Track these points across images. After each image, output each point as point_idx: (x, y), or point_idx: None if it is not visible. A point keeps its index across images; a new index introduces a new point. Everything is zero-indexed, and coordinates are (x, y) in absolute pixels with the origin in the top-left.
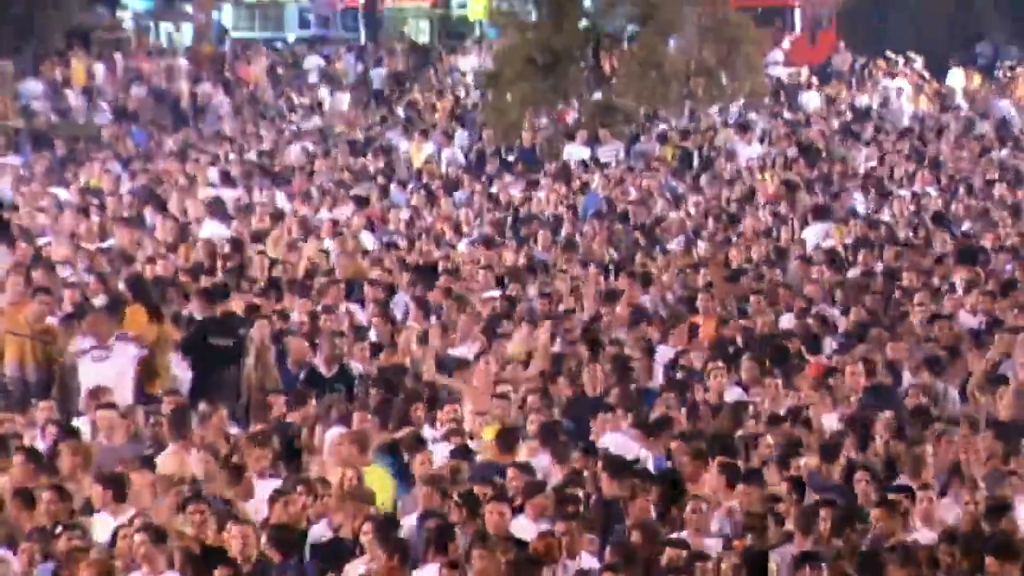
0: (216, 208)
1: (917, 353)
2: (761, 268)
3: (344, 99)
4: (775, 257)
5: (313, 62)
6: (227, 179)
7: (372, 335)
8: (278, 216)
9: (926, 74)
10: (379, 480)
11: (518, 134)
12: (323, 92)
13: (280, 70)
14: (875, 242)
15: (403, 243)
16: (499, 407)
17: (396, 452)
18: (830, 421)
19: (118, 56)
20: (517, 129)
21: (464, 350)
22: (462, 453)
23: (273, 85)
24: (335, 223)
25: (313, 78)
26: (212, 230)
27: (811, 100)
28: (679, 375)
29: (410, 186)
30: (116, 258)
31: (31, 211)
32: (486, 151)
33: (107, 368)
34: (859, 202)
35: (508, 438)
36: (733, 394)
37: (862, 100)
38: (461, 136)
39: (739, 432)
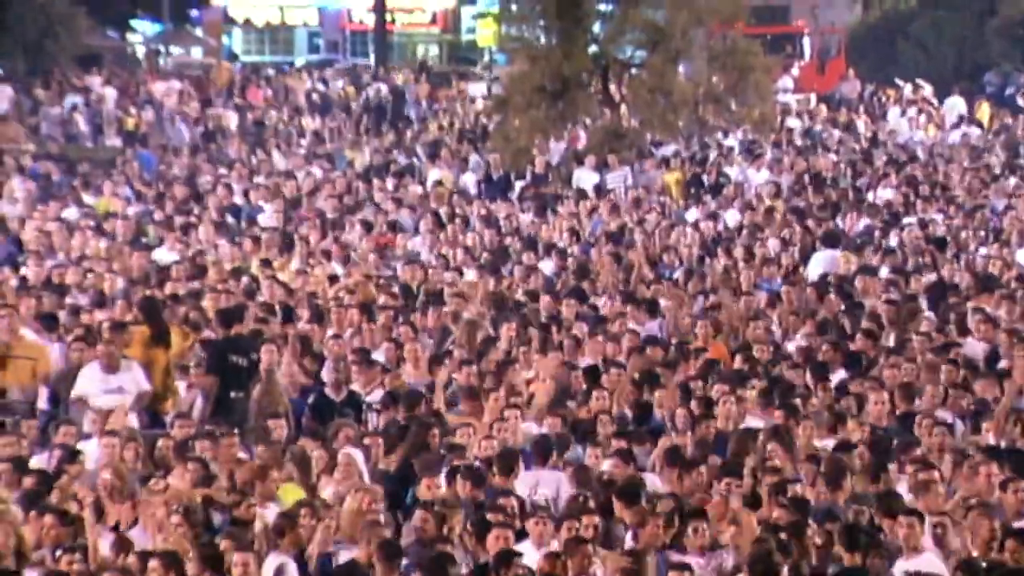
0: (227, 232)
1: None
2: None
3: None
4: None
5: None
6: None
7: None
8: (288, 241)
9: (935, 102)
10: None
11: (526, 160)
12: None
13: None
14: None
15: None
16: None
17: (406, 476)
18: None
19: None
20: (525, 155)
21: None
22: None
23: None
24: (344, 247)
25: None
26: (224, 253)
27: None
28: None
29: (419, 211)
30: (126, 280)
31: (40, 233)
32: (494, 176)
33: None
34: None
35: (508, 461)
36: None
37: (871, 127)
38: (474, 162)
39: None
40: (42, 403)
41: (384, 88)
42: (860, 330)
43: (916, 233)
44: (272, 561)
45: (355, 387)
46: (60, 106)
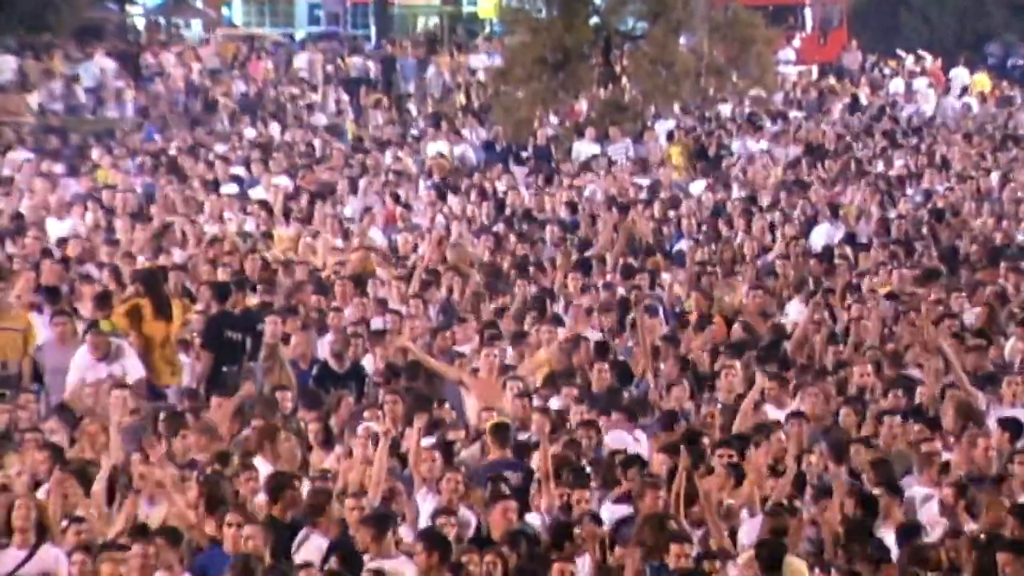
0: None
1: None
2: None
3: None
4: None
5: (304, 59)
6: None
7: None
8: (287, 214)
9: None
10: None
11: (529, 132)
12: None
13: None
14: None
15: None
16: (507, 400)
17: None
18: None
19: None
20: (528, 127)
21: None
22: (446, 448)
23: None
24: (343, 220)
25: (304, 76)
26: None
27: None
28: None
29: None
30: (125, 253)
31: (40, 206)
32: (497, 148)
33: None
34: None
35: (504, 433)
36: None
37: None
38: (478, 133)
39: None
40: (25, 379)
41: (365, 61)
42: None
43: (917, 205)
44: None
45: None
46: (61, 78)
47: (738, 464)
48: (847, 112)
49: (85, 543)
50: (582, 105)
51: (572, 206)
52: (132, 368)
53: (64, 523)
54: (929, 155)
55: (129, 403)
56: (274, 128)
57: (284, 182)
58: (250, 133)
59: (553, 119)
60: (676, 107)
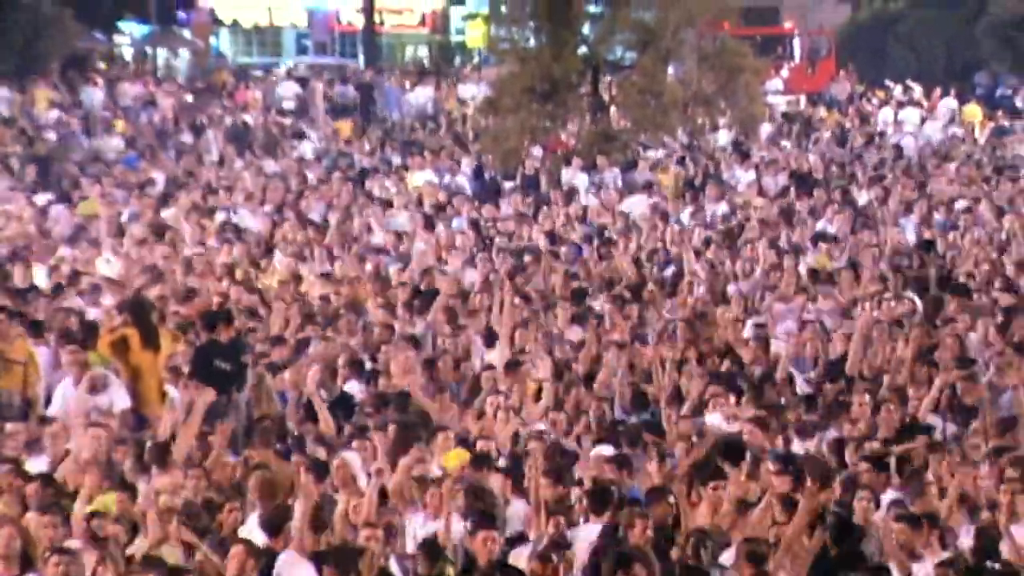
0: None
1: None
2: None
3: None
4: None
5: (290, 89)
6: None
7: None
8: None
9: (925, 103)
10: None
11: (517, 161)
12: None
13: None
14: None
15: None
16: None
17: None
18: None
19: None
20: (516, 156)
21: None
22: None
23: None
24: (332, 250)
25: (290, 105)
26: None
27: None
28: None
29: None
30: (109, 282)
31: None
32: (486, 176)
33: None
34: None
35: (483, 462)
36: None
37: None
38: (467, 163)
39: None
40: (41, 408)
41: (349, 89)
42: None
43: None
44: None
45: (347, 388)
46: (49, 107)
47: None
48: (835, 142)
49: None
50: (568, 135)
51: (552, 236)
52: (118, 399)
53: (47, 555)
54: (919, 185)
55: (103, 443)
56: (263, 158)
57: (271, 212)
58: (238, 163)
59: (535, 151)
60: (665, 138)
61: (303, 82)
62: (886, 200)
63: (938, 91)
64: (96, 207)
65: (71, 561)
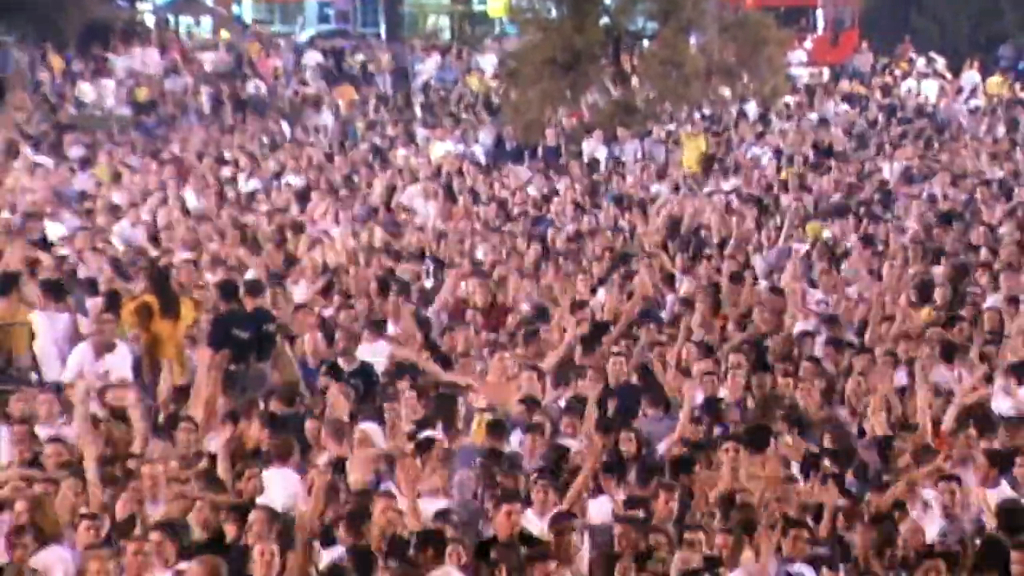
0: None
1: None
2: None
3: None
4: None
5: (312, 58)
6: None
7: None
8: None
9: (947, 75)
10: None
11: (538, 132)
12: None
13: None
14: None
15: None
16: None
17: None
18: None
19: (140, 49)
20: (537, 127)
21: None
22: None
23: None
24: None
25: (316, 73)
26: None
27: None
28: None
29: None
30: (132, 250)
31: (46, 204)
32: (507, 146)
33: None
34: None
35: (499, 428)
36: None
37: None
38: (485, 134)
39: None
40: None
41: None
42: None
43: (924, 208)
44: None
45: (366, 357)
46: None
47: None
48: (857, 113)
49: (99, 541)
50: (588, 106)
51: (578, 206)
52: (117, 365)
53: (78, 520)
54: (937, 158)
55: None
56: (284, 127)
57: (296, 181)
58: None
59: (563, 120)
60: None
61: (328, 53)
62: (907, 172)
63: (941, 62)
64: (104, 171)
65: (102, 525)
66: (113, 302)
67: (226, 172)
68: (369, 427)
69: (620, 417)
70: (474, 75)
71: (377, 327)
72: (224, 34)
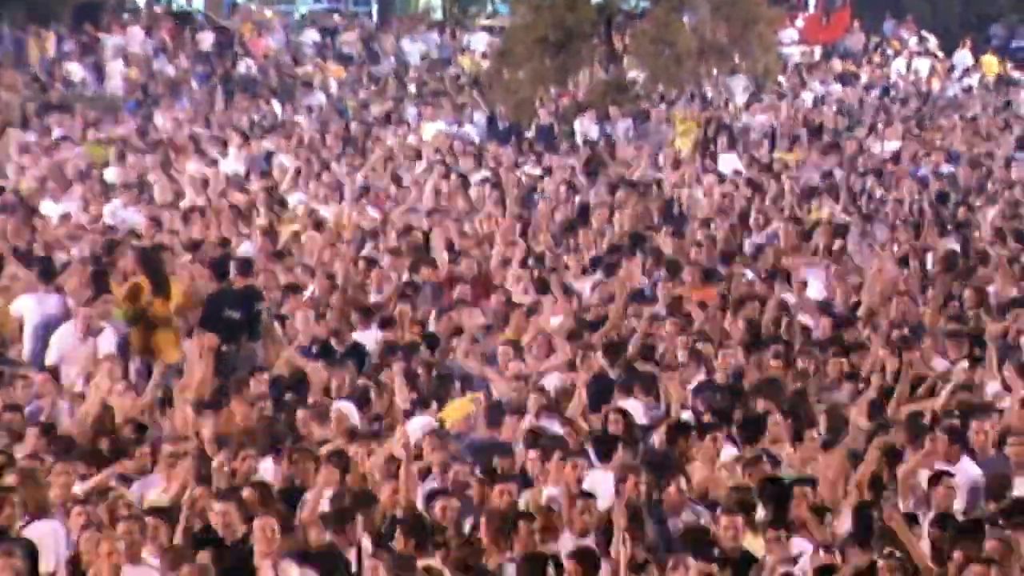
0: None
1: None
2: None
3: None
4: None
5: (310, 36)
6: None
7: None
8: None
9: (940, 54)
10: None
11: (530, 112)
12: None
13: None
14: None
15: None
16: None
17: None
18: None
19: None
20: (529, 107)
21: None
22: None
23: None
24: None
25: (309, 52)
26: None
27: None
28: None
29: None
30: (123, 230)
31: (37, 183)
32: (500, 126)
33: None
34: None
35: (495, 413)
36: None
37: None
38: (478, 114)
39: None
40: (25, 354)
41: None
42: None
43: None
44: None
45: (358, 336)
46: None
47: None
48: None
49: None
50: (580, 85)
51: (571, 187)
52: (104, 344)
53: (70, 505)
54: (929, 137)
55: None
56: (275, 106)
57: (287, 160)
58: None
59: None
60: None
61: (324, 32)
62: (899, 152)
63: (933, 41)
64: (102, 152)
65: (93, 512)
66: (100, 282)
67: (215, 152)
68: (344, 406)
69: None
70: (466, 55)
71: (366, 314)
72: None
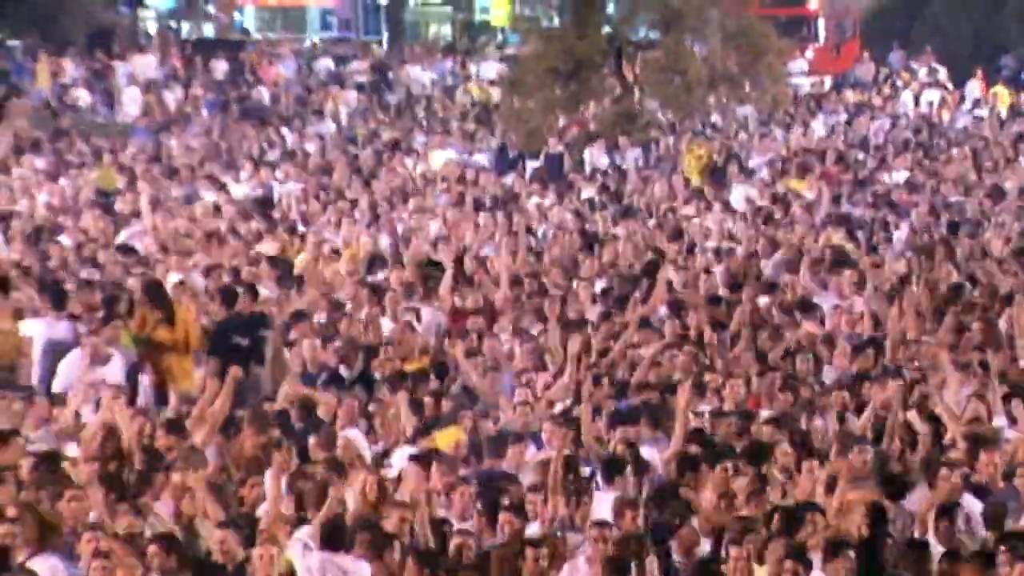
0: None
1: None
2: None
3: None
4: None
5: (323, 64)
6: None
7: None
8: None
9: (949, 85)
10: None
11: (540, 141)
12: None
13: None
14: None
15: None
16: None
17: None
18: None
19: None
20: (539, 136)
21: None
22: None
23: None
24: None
25: (320, 80)
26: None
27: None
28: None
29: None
30: (130, 259)
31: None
32: (510, 154)
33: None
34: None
35: (500, 444)
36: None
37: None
38: (489, 142)
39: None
40: (33, 379)
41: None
42: None
43: (926, 220)
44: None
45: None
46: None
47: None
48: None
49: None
50: (590, 115)
51: (580, 216)
52: (112, 373)
53: (81, 531)
54: (938, 167)
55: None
56: (285, 133)
57: (296, 187)
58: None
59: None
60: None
61: (337, 60)
62: (908, 182)
63: (943, 72)
64: (113, 179)
65: (103, 536)
66: (110, 309)
67: (227, 179)
68: (352, 434)
69: None
70: (475, 83)
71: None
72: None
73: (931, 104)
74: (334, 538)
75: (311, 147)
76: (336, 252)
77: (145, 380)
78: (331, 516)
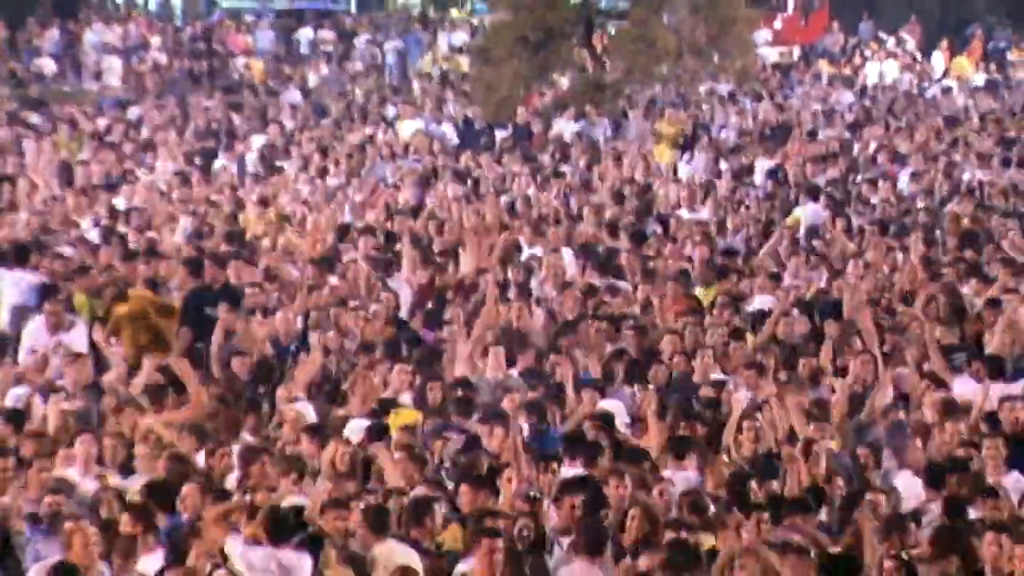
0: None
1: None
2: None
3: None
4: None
5: (304, 35)
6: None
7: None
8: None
9: (917, 55)
10: None
11: (509, 111)
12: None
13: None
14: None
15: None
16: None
17: None
18: None
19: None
20: (508, 106)
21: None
22: (379, 432)
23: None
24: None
25: (305, 51)
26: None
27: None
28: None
29: (399, 162)
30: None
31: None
32: (476, 126)
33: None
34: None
35: (466, 405)
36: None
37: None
38: (456, 112)
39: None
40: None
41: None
42: None
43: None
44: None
45: None
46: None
47: None
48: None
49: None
50: (546, 90)
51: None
52: (77, 340)
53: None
54: (909, 139)
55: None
56: (253, 102)
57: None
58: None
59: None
60: (658, 88)
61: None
62: (877, 152)
63: (911, 43)
64: (75, 146)
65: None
66: (83, 275)
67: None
68: (301, 406)
69: None
70: (443, 52)
71: None
72: None
73: (881, 75)
74: (278, 531)
75: (281, 117)
76: (303, 222)
77: (115, 351)
78: (275, 509)
